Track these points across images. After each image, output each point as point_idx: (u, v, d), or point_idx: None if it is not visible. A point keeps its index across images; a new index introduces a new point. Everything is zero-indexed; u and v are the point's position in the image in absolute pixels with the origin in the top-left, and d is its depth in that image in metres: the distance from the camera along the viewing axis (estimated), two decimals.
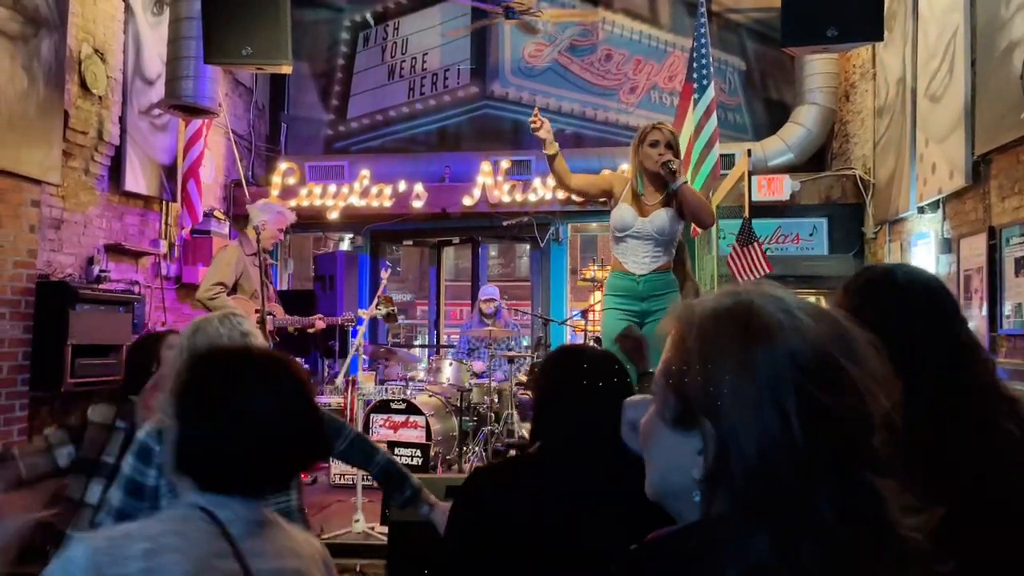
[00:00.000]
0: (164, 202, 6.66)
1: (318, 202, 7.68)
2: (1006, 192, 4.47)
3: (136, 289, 6.12)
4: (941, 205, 5.29)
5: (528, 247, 8.84)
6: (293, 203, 7.34)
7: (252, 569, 1.14)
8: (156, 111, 6.39)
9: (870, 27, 3.85)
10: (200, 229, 6.92)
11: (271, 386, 1.22)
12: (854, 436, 0.73)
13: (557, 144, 3.68)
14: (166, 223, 6.72)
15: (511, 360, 6.15)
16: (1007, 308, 4.41)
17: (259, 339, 2.04)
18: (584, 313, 7.00)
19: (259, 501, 1.23)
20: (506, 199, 7.64)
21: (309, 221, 7.64)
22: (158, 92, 6.22)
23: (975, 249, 4.75)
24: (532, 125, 3.65)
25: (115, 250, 6.04)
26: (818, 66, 7.41)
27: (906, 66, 5.82)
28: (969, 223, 4.91)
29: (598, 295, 9.50)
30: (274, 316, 5.19)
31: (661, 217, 3.54)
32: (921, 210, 5.58)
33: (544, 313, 8.09)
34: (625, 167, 7.26)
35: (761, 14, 8.12)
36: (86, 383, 5.13)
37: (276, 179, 7.84)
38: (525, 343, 7.91)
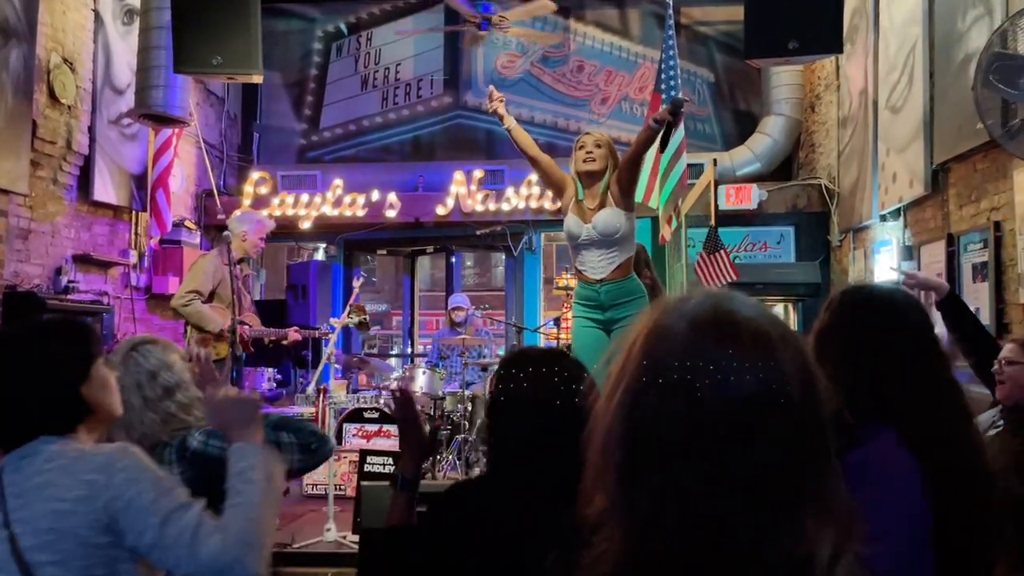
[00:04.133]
0: (134, 212, 6.62)
1: (291, 212, 7.67)
2: (964, 200, 4.60)
3: (105, 300, 6.07)
4: (902, 213, 5.43)
5: (503, 256, 8.89)
6: (265, 212, 7.31)
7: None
8: (126, 120, 6.36)
9: (830, 40, 3.96)
10: (171, 239, 6.88)
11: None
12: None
13: (511, 118, 3.82)
14: (136, 233, 6.68)
15: (484, 368, 6.17)
16: None
17: (179, 368, 1.90)
18: (557, 321, 7.05)
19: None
20: (479, 208, 7.69)
21: (282, 231, 7.60)
22: (128, 101, 6.20)
23: (935, 256, 4.87)
24: (489, 100, 3.82)
25: (84, 260, 5.99)
26: (784, 78, 7.56)
27: (868, 78, 5.96)
28: (929, 231, 5.04)
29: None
30: (249, 326, 5.19)
31: (603, 218, 3.60)
32: (883, 218, 5.71)
33: (518, 321, 8.14)
34: None
35: (729, 26, 8.26)
36: None
37: (248, 188, 7.82)
38: (500, 352, 7.94)
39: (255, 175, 7.89)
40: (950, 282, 4.64)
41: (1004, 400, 2.77)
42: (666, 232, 6.68)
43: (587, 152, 3.61)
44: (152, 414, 1.82)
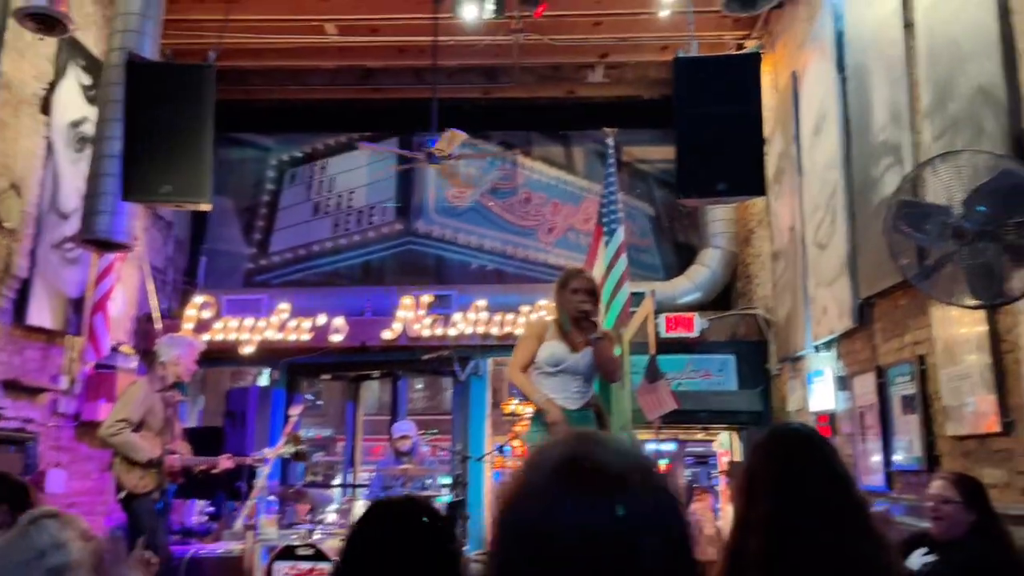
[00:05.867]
0: (68, 336, 6.45)
1: (233, 336, 7.57)
2: (889, 334, 4.80)
3: (30, 427, 5.81)
4: (834, 345, 5.61)
5: (450, 381, 8.84)
6: (207, 337, 7.21)
7: None
8: (69, 244, 6.31)
9: (754, 184, 4.23)
10: (106, 364, 6.69)
11: None
12: None
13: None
14: (70, 358, 6.48)
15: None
16: (898, 444, 4.62)
17: (72, 549, 1.78)
18: (501, 448, 6.95)
19: None
20: (427, 333, 7.70)
21: (224, 355, 7.49)
22: (72, 226, 6.18)
23: (866, 387, 5.01)
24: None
25: (12, 386, 5.76)
26: (719, 213, 7.95)
27: (795, 216, 6.31)
28: (860, 362, 5.21)
29: (518, 429, 9.47)
30: (180, 455, 5.01)
31: (590, 354, 3.67)
32: (817, 349, 5.89)
33: (464, 447, 7.99)
34: (543, 303, 7.51)
35: (667, 164, 8.73)
36: None
37: (191, 312, 7.72)
38: (446, 480, 7.72)
39: (199, 299, 7.82)
40: (881, 413, 4.77)
41: (939, 537, 2.80)
42: None
43: (582, 300, 3.67)
44: None
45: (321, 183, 9.14)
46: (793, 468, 1.65)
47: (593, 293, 3.75)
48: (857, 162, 5.23)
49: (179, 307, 8.20)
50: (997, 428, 3.57)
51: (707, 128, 4.24)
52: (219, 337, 7.48)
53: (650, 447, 7.13)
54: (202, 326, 7.60)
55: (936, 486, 2.88)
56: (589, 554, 0.72)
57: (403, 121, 8.78)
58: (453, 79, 8.16)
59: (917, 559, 2.66)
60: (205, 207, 4.92)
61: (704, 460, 10.31)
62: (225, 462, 5.17)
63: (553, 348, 3.70)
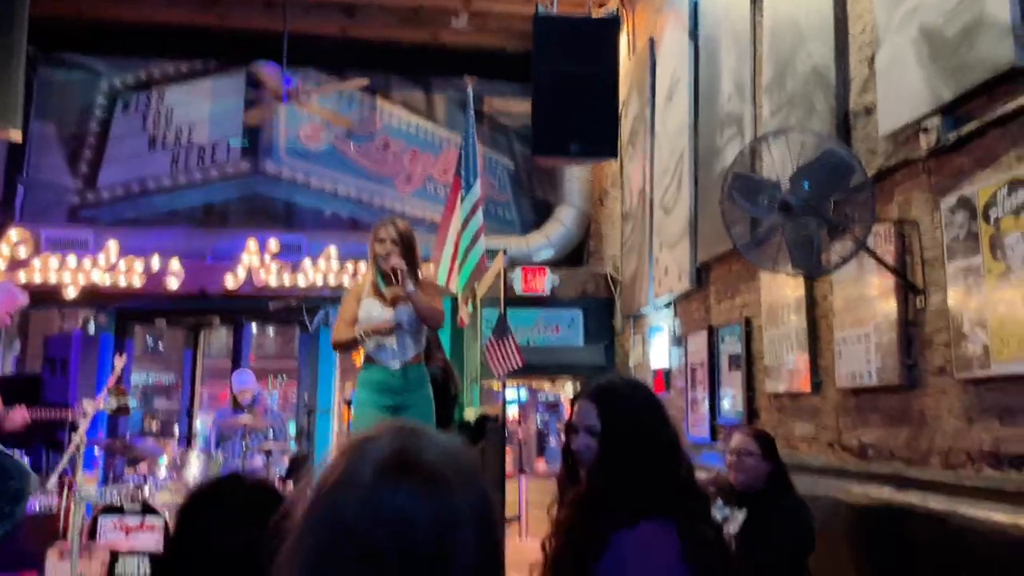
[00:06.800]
0: None
1: (53, 277, 6.92)
2: (721, 296, 5.09)
3: None
4: (673, 304, 5.90)
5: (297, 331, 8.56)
6: (23, 276, 6.57)
7: None
8: None
9: (606, 147, 4.31)
10: None
11: None
12: None
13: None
14: None
15: (268, 453, 5.82)
16: (723, 399, 4.95)
17: None
18: (349, 402, 6.85)
19: None
20: (273, 281, 7.39)
21: (41, 297, 6.85)
22: None
23: (699, 345, 5.32)
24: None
25: None
26: (576, 172, 8.09)
27: (645, 178, 6.52)
28: (694, 321, 5.51)
29: None
30: None
31: (407, 307, 3.59)
32: (657, 307, 6.18)
33: (311, 398, 7.83)
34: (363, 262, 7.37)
35: (528, 120, 8.72)
36: None
37: (4, 248, 6.98)
38: (292, 430, 7.54)
39: (13, 234, 7.08)
40: (711, 370, 5.09)
41: (740, 486, 3.02)
42: (464, 315, 6.79)
43: (387, 252, 3.51)
44: None
45: (159, 113, 8.44)
46: (613, 413, 1.77)
47: (404, 243, 3.53)
48: (704, 130, 5.44)
49: None
50: (807, 388, 3.89)
51: (564, 88, 4.25)
52: (37, 278, 6.83)
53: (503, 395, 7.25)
54: (17, 264, 6.91)
55: (737, 440, 3.09)
56: (405, 547, 0.75)
57: (251, 53, 8.24)
58: (309, 13, 7.72)
59: (716, 512, 2.86)
60: (15, 136, 4.42)
61: (555, 407, 10.70)
62: (16, 416, 4.42)
63: (368, 306, 3.56)
